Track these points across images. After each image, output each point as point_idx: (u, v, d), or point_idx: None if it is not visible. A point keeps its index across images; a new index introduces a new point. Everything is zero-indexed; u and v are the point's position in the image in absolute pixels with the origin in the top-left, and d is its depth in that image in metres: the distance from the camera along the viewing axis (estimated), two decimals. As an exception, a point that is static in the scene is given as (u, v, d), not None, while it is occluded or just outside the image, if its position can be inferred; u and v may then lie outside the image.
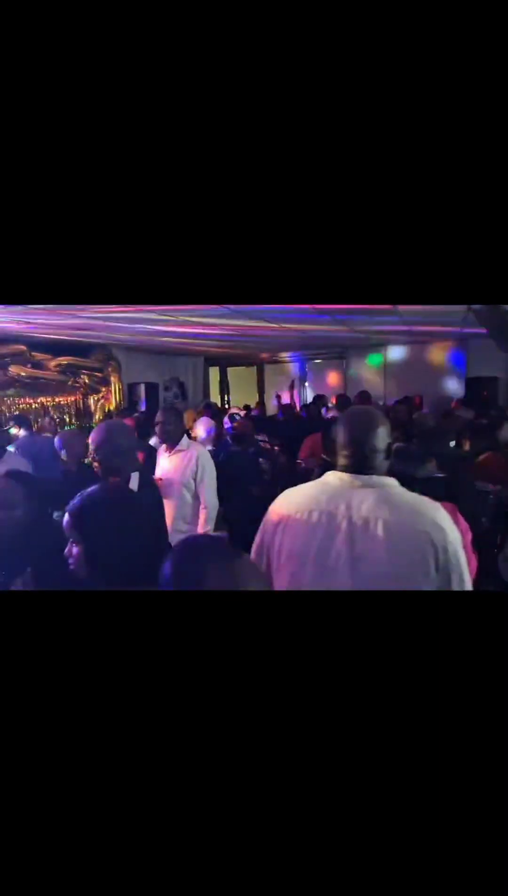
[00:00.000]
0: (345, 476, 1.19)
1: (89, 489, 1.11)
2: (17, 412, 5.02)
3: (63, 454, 2.84)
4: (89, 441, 1.78)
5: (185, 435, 2.76)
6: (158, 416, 2.73)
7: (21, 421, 4.47)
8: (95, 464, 1.73)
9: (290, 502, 1.24)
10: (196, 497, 2.66)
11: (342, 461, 1.21)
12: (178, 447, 2.67)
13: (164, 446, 2.72)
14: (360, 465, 1.19)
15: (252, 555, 1.26)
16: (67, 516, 1.05)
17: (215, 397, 8.28)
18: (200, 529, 2.63)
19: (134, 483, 1.93)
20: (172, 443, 2.67)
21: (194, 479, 2.64)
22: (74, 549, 1.04)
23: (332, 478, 1.22)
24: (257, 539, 1.28)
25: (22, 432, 4.26)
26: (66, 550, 1.06)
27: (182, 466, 2.64)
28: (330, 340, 6.36)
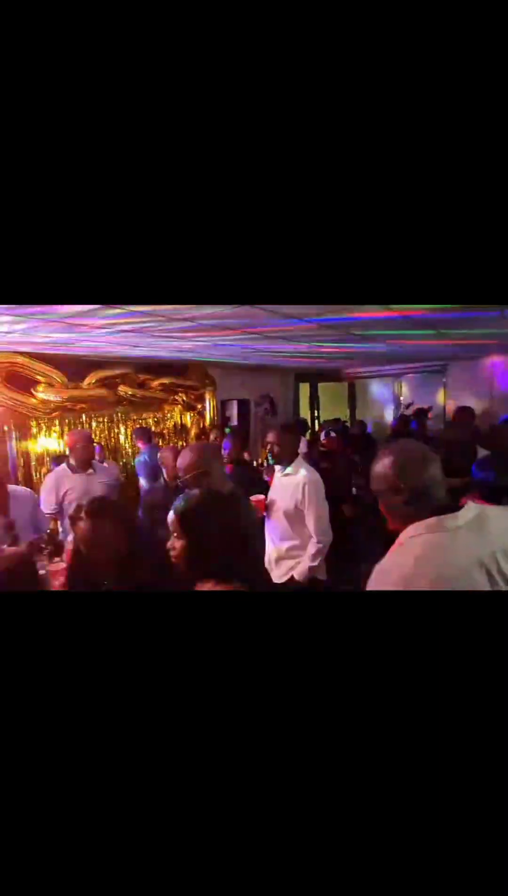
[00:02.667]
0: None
1: (192, 491, 1.26)
2: (135, 427, 5.43)
3: (163, 471, 3.03)
4: (177, 463, 1.87)
5: (299, 457, 2.58)
6: (269, 436, 2.61)
7: (142, 434, 4.82)
8: (185, 487, 1.81)
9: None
10: (299, 524, 2.48)
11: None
12: (286, 470, 2.54)
13: (278, 467, 2.61)
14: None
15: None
16: (172, 514, 1.18)
17: (304, 413, 8.28)
18: (306, 562, 2.44)
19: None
20: (283, 464, 2.56)
21: (299, 507, 2.45)
22: (177, 543, 1.16)
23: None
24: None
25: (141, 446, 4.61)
26: (168, 544, 1.18)
27: (288, 492, 2.50)
28: (427, 354, 6.06)
